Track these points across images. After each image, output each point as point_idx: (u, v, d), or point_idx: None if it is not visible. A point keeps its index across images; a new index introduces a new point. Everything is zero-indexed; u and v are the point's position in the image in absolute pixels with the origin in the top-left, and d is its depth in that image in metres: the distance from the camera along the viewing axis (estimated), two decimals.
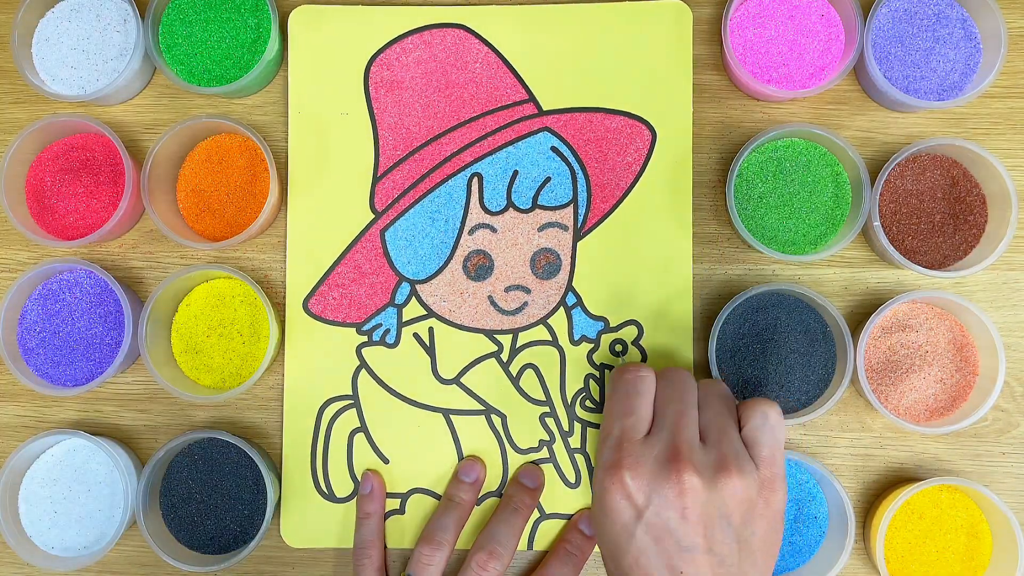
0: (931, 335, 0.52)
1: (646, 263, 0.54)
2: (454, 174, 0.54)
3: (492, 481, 0.54)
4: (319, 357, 0.54)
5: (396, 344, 0.54)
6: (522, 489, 0.52)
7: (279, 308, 0.55)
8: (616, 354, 0.54)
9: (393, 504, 0.54)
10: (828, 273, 0.54)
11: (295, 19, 0.56)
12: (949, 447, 0.53)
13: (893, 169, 0.52)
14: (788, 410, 0.51)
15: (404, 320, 0.54)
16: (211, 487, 0.53)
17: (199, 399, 0.52)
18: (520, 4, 0.55)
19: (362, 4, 0.56)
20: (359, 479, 0.54)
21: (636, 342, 0.54)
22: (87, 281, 0.54)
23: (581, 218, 0.54)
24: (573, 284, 0.54)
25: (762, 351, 0.51)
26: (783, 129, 0.51)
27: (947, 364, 0.52)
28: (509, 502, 0.52)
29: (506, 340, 0.54)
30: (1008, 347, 0.53)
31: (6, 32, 0.57)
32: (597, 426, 0.53)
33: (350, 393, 0.54)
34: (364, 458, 0.54)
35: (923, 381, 0.51)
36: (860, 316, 0.53)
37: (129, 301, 0.52)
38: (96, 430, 0.55)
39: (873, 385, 0.52)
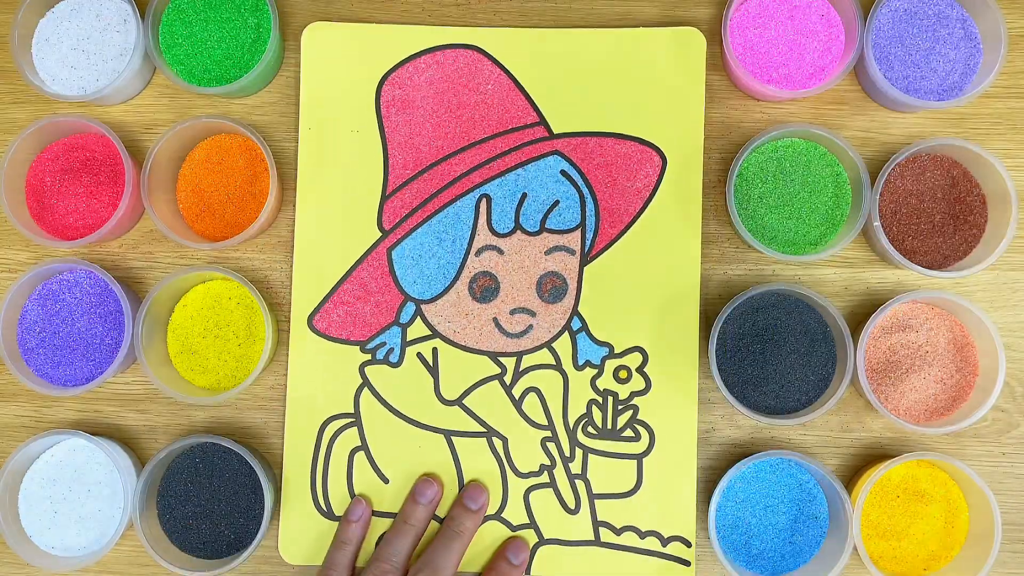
0: (931, 335, 0.52)
1: (653, 290, 0.53)
2: (463, 195, 0.54)
3: (492, 505, 0.53)
4: (322, 374, 0.54)
5: (399, 363, 0.54)
6: (464, 512, 0.51)
7: (276, 309, 0.55)
8: (620, 380, 0.53)
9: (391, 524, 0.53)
10: (828, 273, 0.54)
11: (308, 36, 0.55)
12: (949, 447, 0.53)
13: (893, 169, 0.52)
14: (788, 410, 0.51)
15: (408, 340, 0.54)
16: (209, 491, 0.52)
17: (193, 400, 0.52)
18: (534, 28, 0.55)
19: (376, 23, 0.56)
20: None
21: (640, 369, 0.53)
22: (87, 281, 0.54)
23: (589, 243, 0.54)
24: (579, 309, 0.54)
25: (762, 351, 0.51)
26: (783, 129, 0.51)
27: (947, 364, 0.52)
28: (450, 524, 0.51)
29: (510, 363, 0.54)
30: (1008, 347, 0.53)
31: (6, 32, 0.57)
32: (599, 452, 0.53)
33: (352, 411, 0.54)
34: (364, 477, 0.53)
35: (923, 381, 0.51)
36: (860, 316, 0.53)
37: (129, 301, 0.52)
38: (96, 430, 0.55)
39: (873, 385, 0.51)
